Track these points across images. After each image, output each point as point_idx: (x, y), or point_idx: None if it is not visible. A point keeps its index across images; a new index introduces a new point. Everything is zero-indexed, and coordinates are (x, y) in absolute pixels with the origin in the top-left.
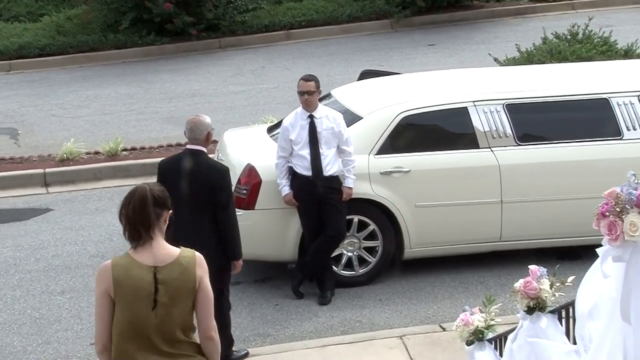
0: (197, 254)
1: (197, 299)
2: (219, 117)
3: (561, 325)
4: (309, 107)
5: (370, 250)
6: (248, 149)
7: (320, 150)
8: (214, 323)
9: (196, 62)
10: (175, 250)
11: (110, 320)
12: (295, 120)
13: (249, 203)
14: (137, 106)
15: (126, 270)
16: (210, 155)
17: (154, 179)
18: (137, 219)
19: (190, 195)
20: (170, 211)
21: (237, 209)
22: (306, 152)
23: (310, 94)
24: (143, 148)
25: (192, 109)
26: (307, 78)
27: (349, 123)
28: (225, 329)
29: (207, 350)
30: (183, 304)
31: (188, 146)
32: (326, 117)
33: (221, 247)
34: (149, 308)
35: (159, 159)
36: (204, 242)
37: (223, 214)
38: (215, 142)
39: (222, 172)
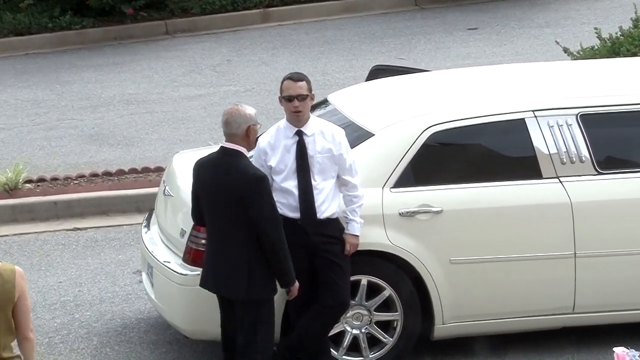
0: (18, 268)
1: (16, 309)
2: (165, 133)
3: None
4: (299, 119)
5: (386, 327)
6: None
7: (313, 182)
8: (31, 325)
9: (132, 55)
10: None
11: None
12: (276, 139)
13: None
14: (47, 118)
15: None
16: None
17: (72, 224)
18: None
19: (219, 206)
20: None
21: (193, 266)
22: (292, 185)
23: (302, 100)
24: (55, 179)
25: (127, 122)
26: (297, 77)
27: (354, 142)
28: None
29: (24, 350)
30: (4, 313)
31: (222, 144)
32: (321, 133)
33: (258, 272)
34: None
35: (79, 195)
36: (236, 264)
37: (262, 231)
38: (162, 169)
39: (251, 181)
